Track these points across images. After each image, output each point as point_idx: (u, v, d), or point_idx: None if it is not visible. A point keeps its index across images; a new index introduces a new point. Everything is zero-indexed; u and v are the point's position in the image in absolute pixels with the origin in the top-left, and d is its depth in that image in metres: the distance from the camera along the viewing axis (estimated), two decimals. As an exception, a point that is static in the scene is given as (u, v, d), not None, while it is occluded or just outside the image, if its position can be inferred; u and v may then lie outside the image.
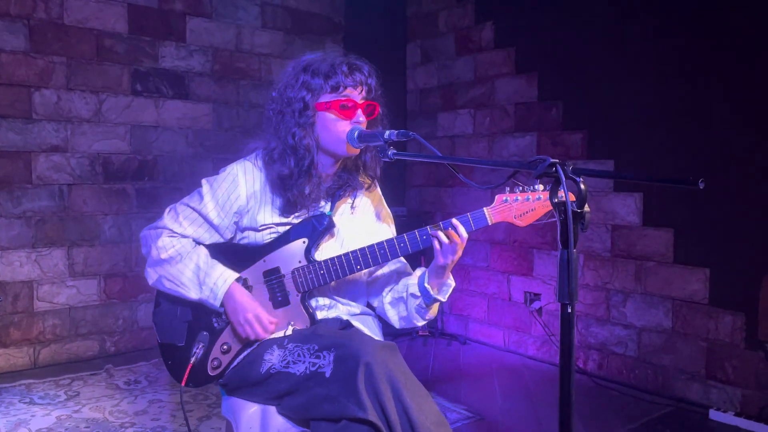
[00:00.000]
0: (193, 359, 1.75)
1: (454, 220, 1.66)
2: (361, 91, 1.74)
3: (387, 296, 1.89)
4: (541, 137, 3.93)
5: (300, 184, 1.74)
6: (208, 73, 4.26)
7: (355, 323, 1.82)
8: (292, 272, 1.75)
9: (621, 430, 2.90)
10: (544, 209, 1.64)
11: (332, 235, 1.82)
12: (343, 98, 1.71)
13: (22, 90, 3.57)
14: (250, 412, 1.68)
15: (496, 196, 1.67)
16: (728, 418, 2.96)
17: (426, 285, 1.76)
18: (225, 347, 1.76)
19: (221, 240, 1.83)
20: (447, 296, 1.80)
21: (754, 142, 2.97)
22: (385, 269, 1.91)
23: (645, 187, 3.40)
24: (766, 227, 2.94)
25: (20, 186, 3.60)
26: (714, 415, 3.02)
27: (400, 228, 1.76)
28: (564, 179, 1.14)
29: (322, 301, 1.83)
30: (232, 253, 1.79)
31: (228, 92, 4.36)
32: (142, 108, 4.00)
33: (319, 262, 1.73)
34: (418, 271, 1.83)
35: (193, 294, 1.73)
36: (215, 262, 1.76)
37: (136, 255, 3.98)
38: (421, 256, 3.72)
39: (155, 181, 4.06)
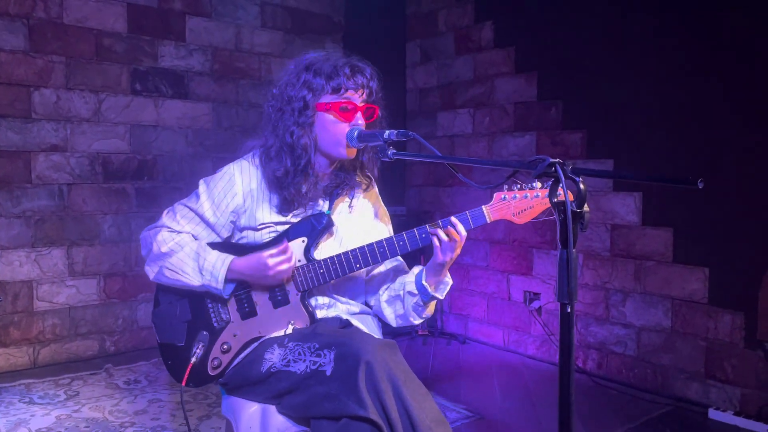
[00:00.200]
0: (193, 359, 1.75)
1: (453, 219, 1.66)
2: (362, 93, 1.74)
3: (383, 294, 1.89)
4: (541, 137, 3.93)
5: (296, 182, 1.74)
6: (208, 72, 4.26)
7: (355, 322, 1.82)
8: (292, 271, 1.75)
9: (620, 429, 2.90)
10: (542, 207, 1.64)
11: (331, 234, 1.83)
12: (343, 100, 1.71)
13: (21, 89, 3.57)
14: (250, 411, 1.68)
15: (495, 194, 1.67)
16: (727, 418, 2.96)
17: (424, 283, 1.76)
18: (225, 347, 1.76)
19: (218, 239, 1.83)
20: (444, 294, 1.80)
21: (754, 142, 2.97)
22: (381, 267, 1.91)
23: (644, 187, 3.40)
24: (765, 226, 2.94)
25: (20, 185, 3.60)
26: (713, 414, 3.02)
27: (400, 228, 1.76)
28: (563, 179, 1.14)
29: (322, 300, 1.83)
30: (232, 252, 1.79)
31: (227, 92, 4.36)
32: (142, 107, 4.00)
33: (319, 261, 1.74)
34: (416, 269, 1.83)
35: (195, 281, 1.73)
36: (213, 249, 1.76)
37: (136, 254, 3.98)
38: (420, 255, 3.72)
39: (155, 180, 4.06)
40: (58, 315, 3.74)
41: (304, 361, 1.58)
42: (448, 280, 1.80)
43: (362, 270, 1.83)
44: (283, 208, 1.78)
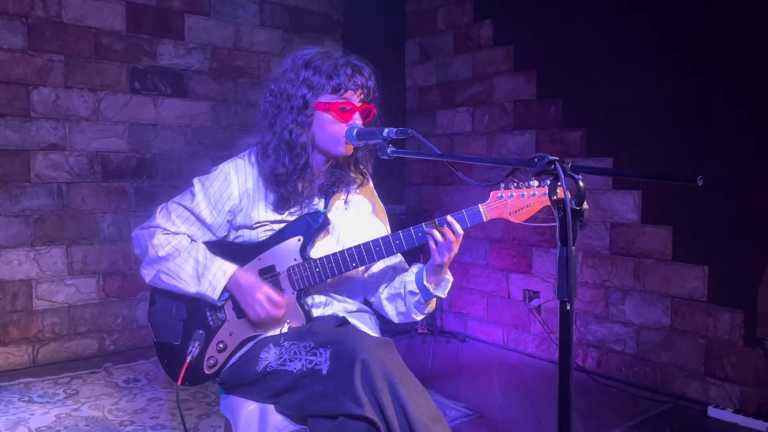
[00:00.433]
0: (189, 358, 1.74)
1: (449, 217, 1.66)
2: (360, 94, 1.74)
3: (384, 292, 1.89)
4: (540, 135, 3.93)
5: (293, 180, 1.74)
6: (207, 71, 4.26)
7: (352, 320, 1.82)
8: (288, 270, 1.75)
9: (620, 427, 2.90)
10: (539, 205, 1.64)
11: (328, 233, 1.82)
12: (343, 101, 1.71)
13: (20, 88, 3.57)
14: (248, 410, 1.68)
15: (491, 192, 1.66)
16: (727, 415, 2.97)
17: (425, 283, 1.76)
18: (221, 345, 1.76)
19: (214, 238, 1.82)
20: (446, 292, 1.80)
21: (754, 140, 2.97)
22: (380, 265, 1.90)
23: (644, 185, 3.40)
24: (764, 224, 2.94)
25: (19, 184, 3.59)
26: (713, 412, 3.02)
27: (399, 227, 1.76)
28: (563, 176, 1.14)
29: (318, 298, 1.83)
30: (227, 251, 1.78)
31: (226, 90, 4.35)
32: (141, 106, 3.99)
33: (315, 260, 1.73)
34: (414, 268, 1.83)
35: (191, 288, 1.73)
36: (214, 256, 1.76)
37: (134, 252, 3.97)
38: (420, 254, 3.72)
39: (154, 179, 4.06)
40: (57, 314, 3.74)
41: (300, 360, 1.58)
42: (449, 277, 1.79)
43: (359, 268, 1.83)
44: (279, 206, 1.77)
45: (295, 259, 1.74)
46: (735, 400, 3.04)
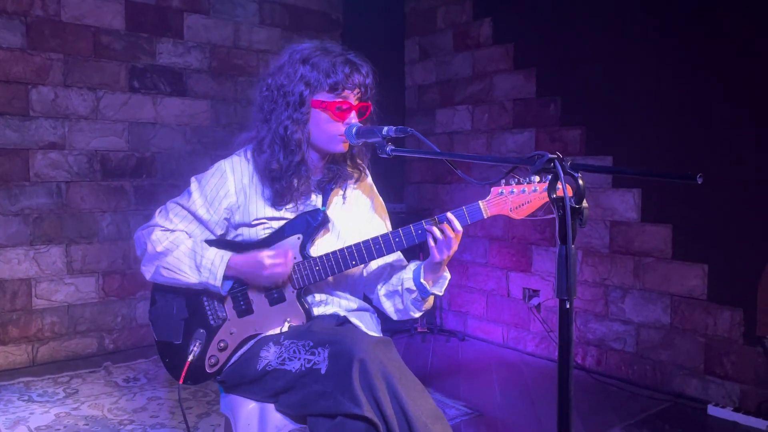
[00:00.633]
0: (190, 357, 1.74)
1: (449, 214, 1.65)
2: (358, 92, 1.73)
3: (381, 289, 1.89)
4: (540, 133, 3.92)
5: (288, 176, 1.73)
6: (206, 69, 4.25)
7: (353, 319, 1.81)
8: (287, 274, 1.74)
9: (619, 425, 2.90)
10: (540, 201, 1.63)
11: (328, 230, 1.82)
12: (340, 100, 1.70)
13: (19, 87, 3.56)
14: (248, 408, 1.68)
15: (492, 189, 1.65)
16: (727, 414, 2.97)
17: (422, 281, 1.75)
18: (222, 344, 1.76)
19: (212, 236, 1.82)
20: (443, 290, 1.80)
21: (753, 139, 2.97)
22: (379, 261, 1.89)
23: (643, 183, 3.40)
24: (764, 223, 2.94)
25: (18, 183, 3.59)
26: (712, 410, 3.02)
27: (398, 225, 1.75)
28: (562, 174, 1.14)
29: (319, 296, 1.82)
30: (228, 250, 1.78)
31: (226, 89, 4.35)
32: (140, 105, 3.99)
33: (314, 258, 1.73)
34: (413, 265, 1.82)
35: (193, 279, 1.72)
36: (209, 245, 1.76)
37: (135, 252, 3.97)
38: (419, 251, 3.72)
39: (153, 178, 4.06)
40: (56, 313, 3.73)
41: (299, 359, 1.58)
42: (447, 275, 1.79)
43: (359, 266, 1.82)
44: (276, 201, 1.76)
45: (295, 258, 1.74)
46: (735, 398, 3.04)
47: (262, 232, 1.78)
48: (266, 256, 1.70)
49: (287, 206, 1.78)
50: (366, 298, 1.96)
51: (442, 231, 1.64)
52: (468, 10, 4.38)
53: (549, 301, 3.90)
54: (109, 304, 3.92)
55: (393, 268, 1.88)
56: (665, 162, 3.27)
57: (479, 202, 1.66)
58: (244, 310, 1.77)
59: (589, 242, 3.65)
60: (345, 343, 1.53)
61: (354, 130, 1.68)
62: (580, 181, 1.14)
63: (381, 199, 1.98)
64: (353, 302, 1.89)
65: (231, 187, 1.78)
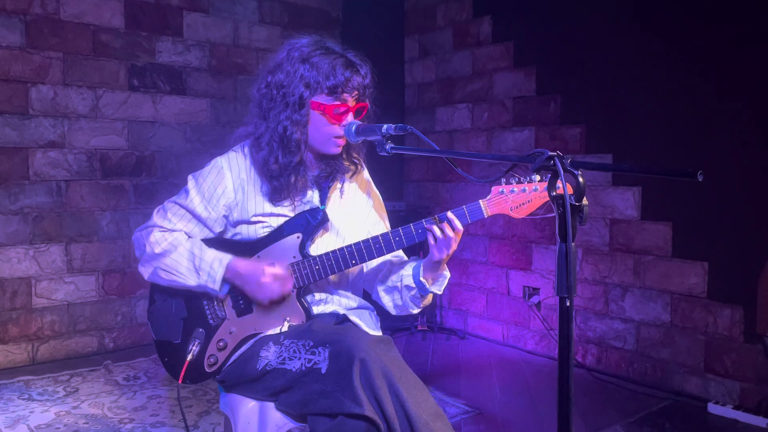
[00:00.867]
0: (189, 356, 1.73)
1: (450, 213, 1.65)
2: (356, 94, 1.73)
3: (381, 285, 1.88)
4: (540, 131, 3.92)
5: (287, 174, 1.73)
6: (206, 68, 4.25)
7: (352, 317, 1.81)
8: (287, 268, 1.74)
9: (619, 423, 2.90)
10: (540, 200, 1.63)
11: (327, 229, 1.81)
12: (338, 103, 1.69)
13: (18, 86, 3.56)
14: (248, 407, 1.68)
15: (492, 188, 1.65)
16: (727, 411, 2.97)
17: (421, 279, 1.75)
18: (221, 344, 1.76)
19: (211, 235, 1.82)
20: (443, 288, 1.79)
21: (753, 137, 2.96)
22: (379, 258, 1.90)
23: (643, 181, 3.40)
24: (764, 220, 2.94)
25: (17, 182, 3.59)
26: (712, 408, 3.02)
27: (398, 224, 1.75)
28: (562, 172, 1.14)
29: (319, 295, 1.82)
30: (226, 249, 1.77)
31: (225, 87, 4.34)
32: (139, 103, 3.99)
33: (314, 257, 1.72)
34: (412, 262, 1.82)
35: (191, 281, 1.72)
36: (208, 247, 1.75)
37: (134, 252, 3.97)
38: (419, 250, 3.72)
39: (153, 176, 4.05)
40: (56, 311, 3.73)
41: (299, 358, 1.57)
42: (446, 273, 1.79)
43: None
44: (274, 198, 1.76)
45: (294, 257, 1.74)
46: (735, 396, 3.04)
47: (261, 231, 1.78)
48: (267, 265, 1.70)
49: (284, 202, 1.77)
50: (365, 293, 1.96)
51: (442, 230, 1.64)
52: (468, 8, 4.37)
53: (549, 299, 3.90)
54: (109, 303, 3.92)
55: (393, 265, 1.87)
56: (665, 160, 3.27)
57: (480, 201, 1.65)
58: (243, 309, 1.77)
59: (589, 240, 3.65)
60: (345, 343, 1.53)
61: (354, 128, 1.68)
62: (580, 179, 1.13)
63: (378, 193, 1.97)
64: (353, 300, 1.88)
65: (229, 183, 1.77)
